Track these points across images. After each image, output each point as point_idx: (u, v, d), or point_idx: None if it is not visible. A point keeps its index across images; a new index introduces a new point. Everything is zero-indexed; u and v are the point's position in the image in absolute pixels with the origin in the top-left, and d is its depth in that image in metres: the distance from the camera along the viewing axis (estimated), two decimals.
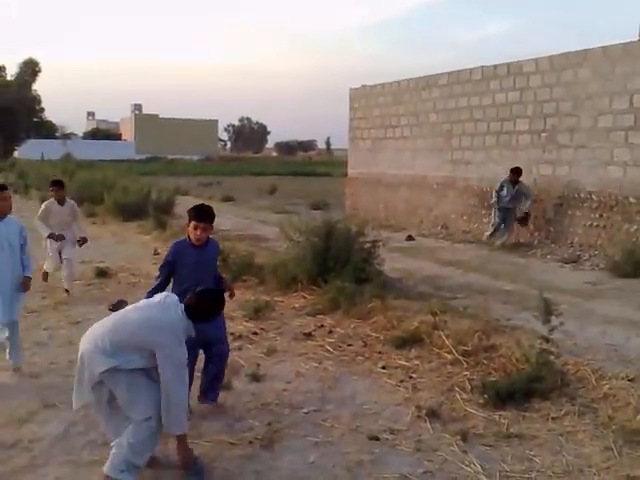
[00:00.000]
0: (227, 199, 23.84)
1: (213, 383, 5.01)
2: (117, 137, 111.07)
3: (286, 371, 5.88)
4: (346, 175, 20.84)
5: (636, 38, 10.74)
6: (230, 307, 8.07)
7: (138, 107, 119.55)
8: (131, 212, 17.13)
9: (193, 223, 4.66)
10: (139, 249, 12.65)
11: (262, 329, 7.16)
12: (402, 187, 17.06)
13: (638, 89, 10.60)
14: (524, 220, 12.34)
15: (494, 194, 12.43)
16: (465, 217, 14.68)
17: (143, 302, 4.05)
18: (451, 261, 11.17)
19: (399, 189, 17.18)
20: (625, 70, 10.83)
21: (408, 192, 16.83)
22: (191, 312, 3.88)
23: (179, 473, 3.91)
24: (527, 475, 4.00)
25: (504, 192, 12.26)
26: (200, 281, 4.39)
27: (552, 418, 4.79)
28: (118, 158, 66.75)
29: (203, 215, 4.69)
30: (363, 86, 19.68)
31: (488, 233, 12.84)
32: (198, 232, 4.65)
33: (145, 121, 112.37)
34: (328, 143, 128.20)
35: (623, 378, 5.20)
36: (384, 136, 18.17)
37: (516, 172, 12.11)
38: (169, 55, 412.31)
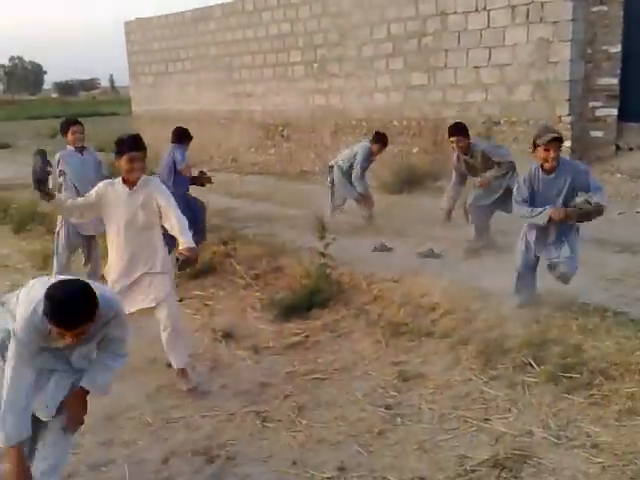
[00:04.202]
0: (2, 146, 22.06)
1: None
2: None
3: None
4: (131, 113, 20.27)
5: None
6: (16, 259, 7.90)
7: None
8: None
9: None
10: None
11: None
12: (190, 122, 16.93)
13: (394, 18, 11.54)
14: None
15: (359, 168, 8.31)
16: (252, 149, 15.14)
17: None
18: (241, 193, 11.60)
19: (187, 124, 16.97)
20: (382, 1, 11.68)
21: (196, 127, 16.77)
22: None
23: None
24: (311, 375, 4.58)
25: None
26: None
27: (331, 323, 5.45)
28: None
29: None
30: (138, 19, 19.03)
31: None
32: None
33: None
34: (112, 81, 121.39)
35: (389, 281, 6.02)
36: (166, 71, 17.87)
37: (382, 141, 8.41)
38: None
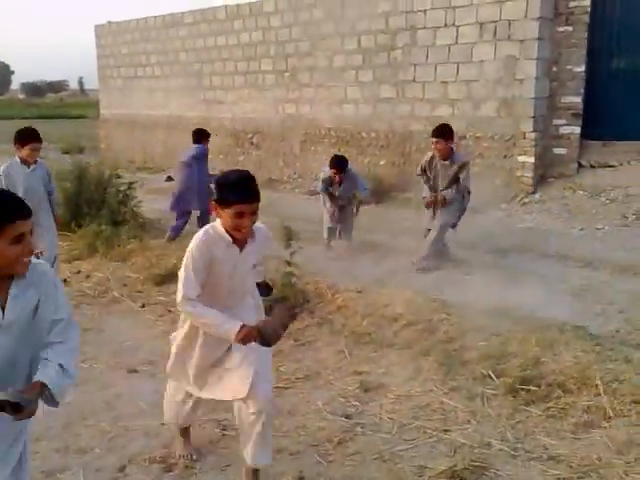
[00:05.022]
0: None
1: None
2: None
3: None
4: (99, 116, 20.08)
5: None
6: None
7: None
8: None
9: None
10: None
11: None
12: (158, 128, 16.92)
13: (365, 30, 11.64)
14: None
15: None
16: (222, 156, 15.07)
17: None
18: None
19: (155, 130, 17.01)
20: (353, 12, 11.78)
21: (165, 133, 16.75)
22: None
23: None
24: (273, 384, 4.55)
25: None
26: None
27: (295, 332, 5.42)
28: None
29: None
30: (109, 22, 18.88)
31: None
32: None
33: None
34: (81, 83, 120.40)
35: (352, 291, 6.04)
36: (135, 75, 17.74)
37: (339, 168, 7.46)
38: None
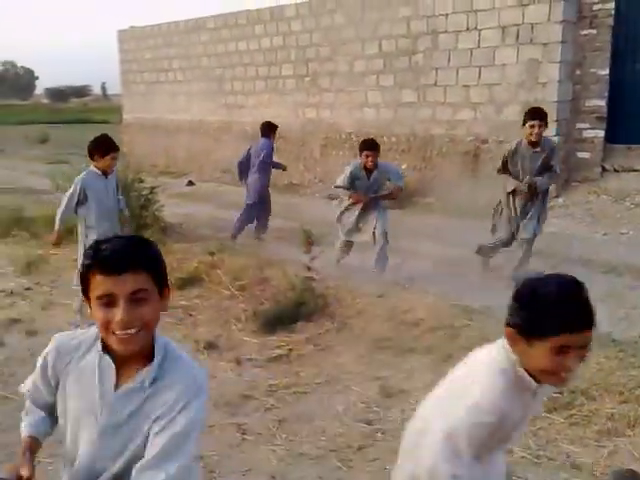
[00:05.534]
0: None
1: None
2: None
3: (62, 324, 5.72)
4: (122, 121, 20.27)
5: None
6: None
7: None
8: None
9: None
10: None
11: (37, 284, 7.04)
12: (181, 132, 17.03)
13: (386, 35, 11.63)
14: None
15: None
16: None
17: None
18: (230, 204, 11.58)
19: (178, 135, 17.13)
20: (374, 17, 11.78)
21: (187, 137, 16.86)
22: None
23: None
24: (293, 388, 4.55)
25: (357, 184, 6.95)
26: None
27: (315, 336, 5.43)
28: None
29: None
30: (132, 27, 19.07)
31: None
32: None
33: None
34: (104, 88, 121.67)
35: (373, 295, 6.02)
36: (157, 80, 17.89)
37: (371, 147, 6.86)
38: None
